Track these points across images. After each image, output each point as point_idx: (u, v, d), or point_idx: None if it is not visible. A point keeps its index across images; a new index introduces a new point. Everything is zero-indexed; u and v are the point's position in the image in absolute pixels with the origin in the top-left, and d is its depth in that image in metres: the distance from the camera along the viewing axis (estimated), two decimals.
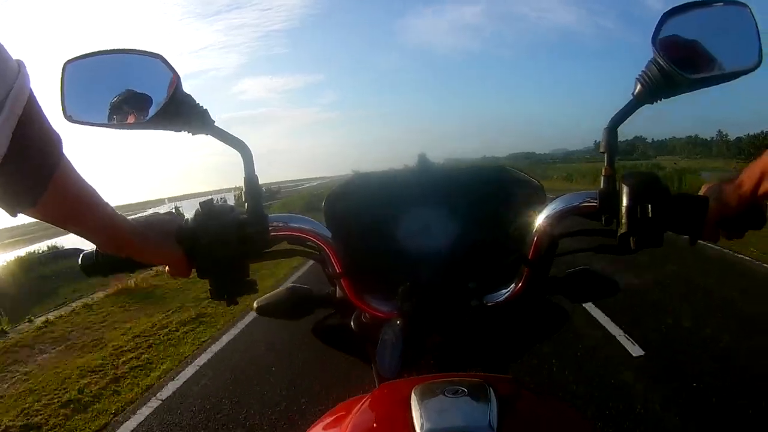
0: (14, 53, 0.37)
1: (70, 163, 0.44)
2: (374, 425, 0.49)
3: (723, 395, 2.51)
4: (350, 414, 0.51)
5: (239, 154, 0.61)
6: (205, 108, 0.58)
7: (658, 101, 0.57)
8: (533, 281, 0.64)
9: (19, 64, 0.37)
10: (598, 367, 2.94)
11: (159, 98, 0.56)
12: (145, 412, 2.88)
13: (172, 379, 3.30)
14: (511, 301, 0.65)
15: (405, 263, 0.67)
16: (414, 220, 0.68)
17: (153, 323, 4.54)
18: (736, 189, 0.54)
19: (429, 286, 0.64)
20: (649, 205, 0.52)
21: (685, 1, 0.56)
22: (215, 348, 3.81)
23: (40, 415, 2.95)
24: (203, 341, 3.98)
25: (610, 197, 0.57)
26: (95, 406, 3.02)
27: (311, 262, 0.72)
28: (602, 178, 0.58)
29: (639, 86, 0.57)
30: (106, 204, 0.51)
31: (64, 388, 3.29)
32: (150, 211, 0.80)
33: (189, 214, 0.62)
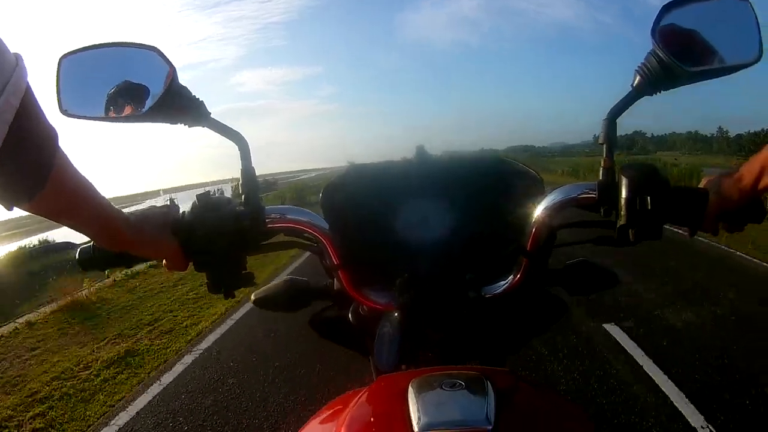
0: (11, 46, 0.37)
1: (67, 157, 0.44)
2: (371, 418, 0.49)
3: None
4: (348, 407, 0.51)
5: (236, 146, 0.61)
6: (201, 100, 0.58)
7: (658, 93, 0.57)
8: (531, 273, 0.64)
9: (17, 58, 0.37)
10: None
11: (155, 91, 0.56)
12: None
13: None
14: (510, 292, 0.65)
15: (403, 255, 0.66)
16: (412, 211, 0.68)
17: (79, 359, 3.71)
18: (736, 182, 0.54)
19: (427, 278, 0.64)
20: (649, 197, 0.52)
21: None
22: (122, 419, 2.72)
23: None
24: (118, 400, 2.98)
25: (609, 189, 0.57)
26: None
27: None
28: (601, 169, 0.58)
29: (638, 78, 0.56)
30: (102, 198, 0.51)
31: None
32: (147, 203, 0.80)
33: (184, 206, 0.62)
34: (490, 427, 0.41)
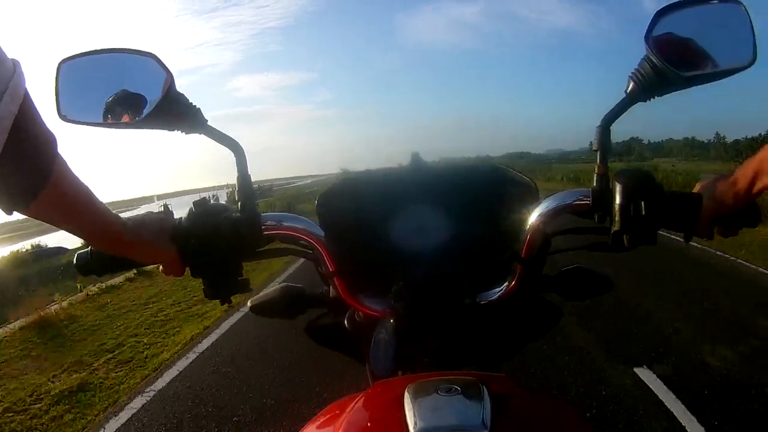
0: (9, 52, 0.37)
1: (65, 163, 0.44)
2: (367, 424, 0.48)
3: None
4: (343, 413, 0.51)
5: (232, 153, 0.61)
6: (198, 107, 0.59)
7: (652, 99, 0.57)
8: (526, 279, 0.64)
9: (15, 64, 0.37)
10: None
11: (152, 97, 0.57)
12: None
13: None
14: (505, 299, 0.65)
15: (398, 262, 0.66)
16: (407, 219, 0.68)
17: (33, 388, 3.39)
18: (730, 186, 0.53)
19: (422, 285, 0.64)
20: (643, 203, 0.52)
21: None
22: None
23: None
24: None
25: (604, 195, 0.57)
26: None
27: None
28: (595, 176, 0.59)
29: (632, 84, 0.57)
30: (100, 203, 0.51)
31: None
32: (143, 209, 0.80)
33: (178, 212, 0.62)
34: None
